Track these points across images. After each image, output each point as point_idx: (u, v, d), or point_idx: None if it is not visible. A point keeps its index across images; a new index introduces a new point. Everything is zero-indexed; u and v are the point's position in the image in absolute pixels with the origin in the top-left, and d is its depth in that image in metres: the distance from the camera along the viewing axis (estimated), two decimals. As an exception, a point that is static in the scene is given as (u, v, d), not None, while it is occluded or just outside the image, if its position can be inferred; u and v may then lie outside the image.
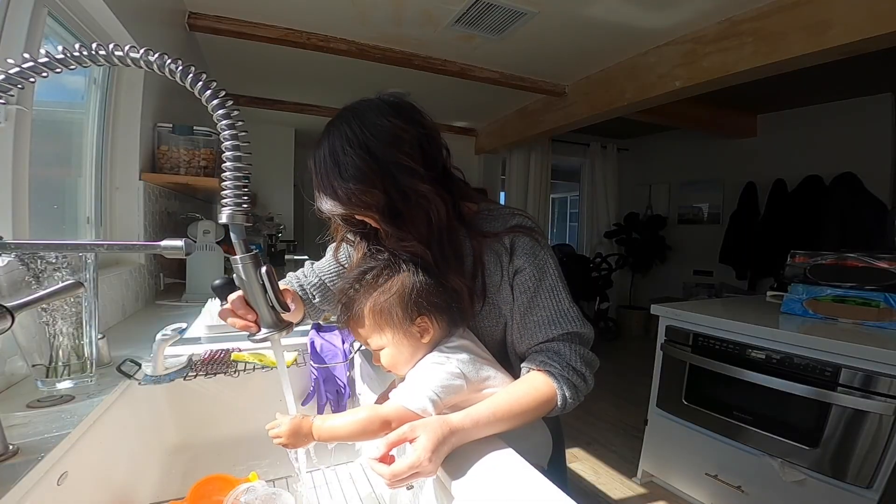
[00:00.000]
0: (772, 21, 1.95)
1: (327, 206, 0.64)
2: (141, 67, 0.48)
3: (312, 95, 3.59)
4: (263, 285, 0.56)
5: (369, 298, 0.64)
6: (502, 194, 4.83)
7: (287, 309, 0.59)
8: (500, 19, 2.17)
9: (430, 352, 0.65)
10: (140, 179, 1.50)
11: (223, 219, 0.51)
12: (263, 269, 0.55)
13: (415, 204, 0.64)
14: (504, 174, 4.86)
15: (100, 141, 1.41)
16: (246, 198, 0.51)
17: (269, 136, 4.33)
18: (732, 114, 3.82)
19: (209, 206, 2.70)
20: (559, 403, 0.63)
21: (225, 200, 0.51)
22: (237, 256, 0.54)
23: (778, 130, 3.81)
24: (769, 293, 1.98)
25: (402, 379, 0.66)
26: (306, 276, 0.87)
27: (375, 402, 0.72)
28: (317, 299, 0.85)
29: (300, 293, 0.84)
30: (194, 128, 1.59)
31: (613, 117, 3.07)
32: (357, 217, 0.67)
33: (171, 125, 1.58)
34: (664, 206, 4.84)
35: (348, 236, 0.79)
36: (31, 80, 0.48)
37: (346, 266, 0.84)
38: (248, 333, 0.60)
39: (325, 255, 0.89)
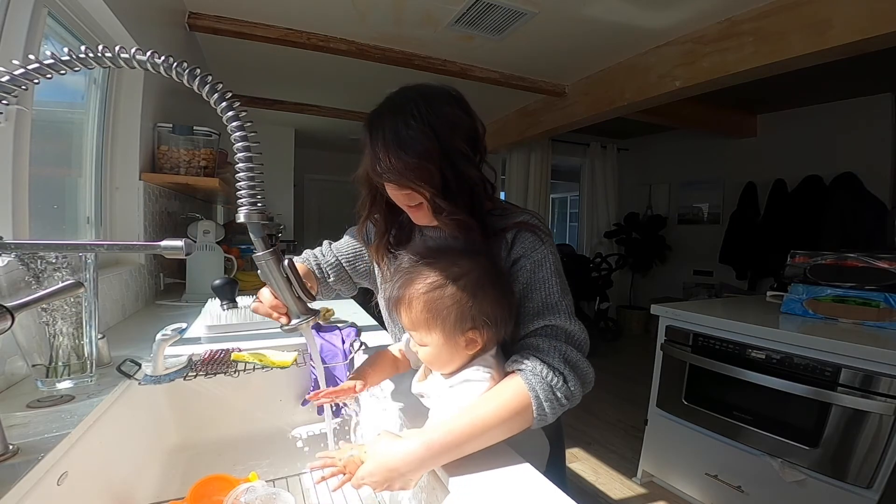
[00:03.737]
0: (772, 21, 1.95)
1: (384, 176, 0.66)
2: (147, 70, 0.49)
3: (312, 95, 3.59)
4: (288, 278, 0.59)
5: (428, 290, 0.60)
6: (502, 194, 4.83)
7: (312, 298, 0.61)
8: (500, 19, 2.17)
9: (470, 362, 0.62)
10: (140, 179, 1.50)
11: (241, 218, 0.53)
12: (286, 262, 0.58)
13: (465, 187, 0.67)
14: (504, 174, 4.86)
15: (100, 141, 1.41)
16: (261, 197, 0.54)
17: (269, 136, 4.33)
18: (732, 114, 3.82)
19: (209, 206, 2.70)
20: (535, 410, 0.56)
21: (241, 201, 0.53)
22: (260, 253, 0.56)
23: (778, 130, 3.81)
24: (769, 293, 1.98)
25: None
26: (323, 255, 0.89)
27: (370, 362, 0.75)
28: (331, 278, 0.88)
29: (316, 271, 0.86)
30: (194, 128, 1.59)
31: (613, 117, 3.07)
32: (408, 190, 0.67)
33: (171, 125, 1.58)
34: (664, 206, 4.84)
35: (375, 216, 0.80)
36: (36, 81, 0.48)
37: (366, 244, 0.85)
38: (279, 325, 0.62)
39: (343, 238, 0.91)
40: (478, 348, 0.62)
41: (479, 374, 0.61)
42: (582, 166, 5.11)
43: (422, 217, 0.71)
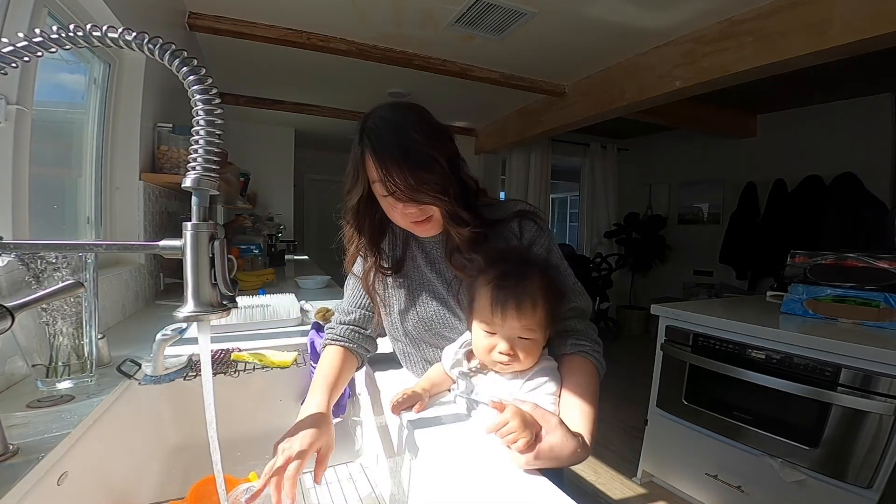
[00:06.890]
0: (772, 21, 1.95)
1: (398, 194, 0.66)
2: (121, 47, 0.47)
3: (312, 95, 3.59)
4: (212, 259, 0.51)
5: (541, 279, 0.65)
6: (502, 194, 4.83)
7: (231, 291, 0.55)
8: (500, 19, 2.17)
9: (538, 363, 0.68)
10: (140, 179, 1.50)
11: (187, 182, 0.47)
12: (217, 242, 0.51)
13: (465, 189, 0.71)
14: (504, 174, 4.86)
15: (100, 141, 1.41)
16: (217, 165, 0.48)
17: (270, 136, 4.33)
18: (732, 114, 3.82)
19: (210, 207, 2.70)
20: (599, 380, 0.71)
21: (192, 164, 0.47)
22: (192, 223, 0.49)
23: (778, 130, 3.81)
24: (769, 293, 1.98)
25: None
26: (347, 315, 0.85)
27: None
28: (368, 329, 0.85)
29: (349, 336, 0.83)
30: (194, 128, 1.59)
31: (613, 117, 3.07)
32: (423, 205, 0.67)
33: (171, 125, 1.58)
34: (664, 206, 4.84)
35: (363, 248, 0.79)
36: (27, 59, 0.46)
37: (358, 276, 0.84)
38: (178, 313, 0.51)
39: (345, 292, 0.89)
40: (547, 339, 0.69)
41: (550, 386, 0.68)
42: (582, 166, 5.11)
43: (429, 229, 0.72)
